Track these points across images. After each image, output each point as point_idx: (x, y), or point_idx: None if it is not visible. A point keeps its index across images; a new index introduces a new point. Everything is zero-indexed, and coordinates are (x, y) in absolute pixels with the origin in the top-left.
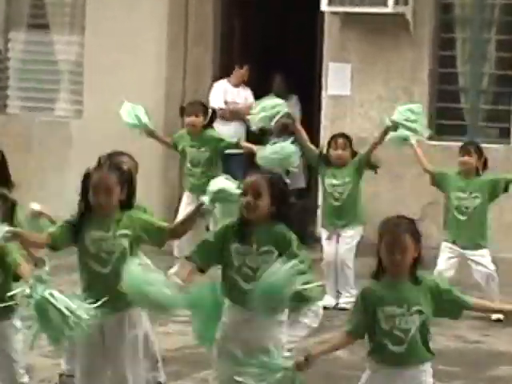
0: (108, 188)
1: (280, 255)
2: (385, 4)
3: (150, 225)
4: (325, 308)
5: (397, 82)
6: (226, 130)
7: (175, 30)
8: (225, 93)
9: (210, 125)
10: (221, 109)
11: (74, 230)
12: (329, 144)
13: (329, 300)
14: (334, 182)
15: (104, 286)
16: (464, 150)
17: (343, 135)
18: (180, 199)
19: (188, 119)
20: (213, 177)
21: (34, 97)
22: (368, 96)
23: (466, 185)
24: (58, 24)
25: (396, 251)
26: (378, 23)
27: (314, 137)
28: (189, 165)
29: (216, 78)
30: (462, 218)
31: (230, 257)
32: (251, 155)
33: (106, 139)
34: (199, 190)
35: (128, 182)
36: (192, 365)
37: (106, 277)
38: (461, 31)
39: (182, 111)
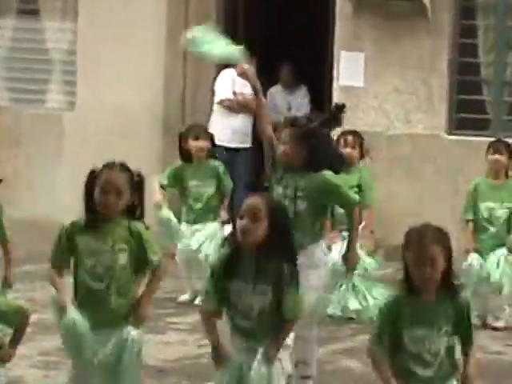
0: (118, 188)
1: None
2: None
3: (144, 249)
4: (330, 317)
5: (414, 73)
6: (232, 123)
7: (175, 16)
8: (233, 82)
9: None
10: (229, 99)
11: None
12: (337, 141)
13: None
14: None
15: (98, 303)
16: (494, 148)
17: (354, 132)
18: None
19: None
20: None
21: (23, 88)
22: (383, 87)
23: (496, 193)
24: (50, 10)
25: (425, 263)
26: (393, 9)
27: None
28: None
29: (219, 68)
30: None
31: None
32: (258, 152)
33: (100, 133)
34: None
35: (138, 187)
36: (192, 377)
37: (99, 292)
38: (483, 18)
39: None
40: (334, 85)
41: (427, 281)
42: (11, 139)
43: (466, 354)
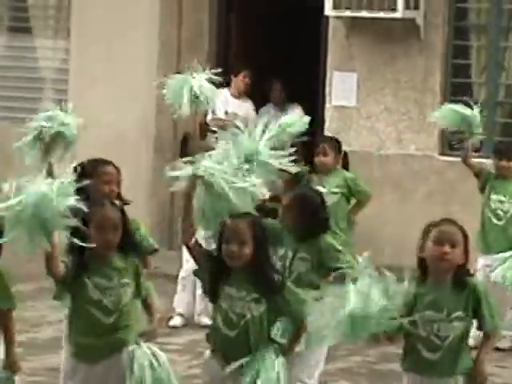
0: (116, 225)
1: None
2: (394, 8)
3: (137, 283)
4: None
5: (406, 93)
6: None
7: (167, 34)
8: (225, 103)
9: None
10: (220, 119)
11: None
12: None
13: None
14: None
15: (104, 333)
16: (502, 154)
17: (327, 139)
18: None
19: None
20: None
21: (14, 106)
22: (375, 107)
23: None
24: (41, 28)
25: (446, 243)
26: (386, 29)
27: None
28: None
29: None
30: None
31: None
32: None
33: (93, 152)
34: None
35: (124, 220)
36: None
37: (108, 326)
38: (475, 38)
39: (186, 140)
40: (327, 104)
41: (444, 260)
42: (1, 157)
43: (484, 339)
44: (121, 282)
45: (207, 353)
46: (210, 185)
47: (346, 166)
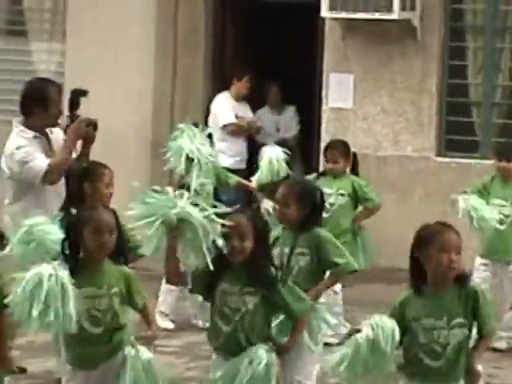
0: (111, 229)
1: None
2: (390, 10)
3: (130, 292)
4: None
5: (403, 94)
6: (225, 147)
7: (163, 35)
8: (233, 107)
9: None
10: (232, 124)
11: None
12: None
13: None
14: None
15: (95, 343)
16: (502, 155)
17: (336, 145)
18: None
19: None
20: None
21: (10, 109)
22: (371, 109)
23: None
24: (37, 31)
25: (452, 250)
26: (382, 30)
27: (314, 151)
28: None
29: (207, 89)
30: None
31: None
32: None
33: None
34: None
35: (118, 225)
36: None
37: (98, 336)
38: (472, 40)
39: None
40: (323, 106)
41: (451, 268)
42: None
43: (480, 341)
44: (110, 292)
45: (213, 356)
46: (189, 223)
47: (355, 168)
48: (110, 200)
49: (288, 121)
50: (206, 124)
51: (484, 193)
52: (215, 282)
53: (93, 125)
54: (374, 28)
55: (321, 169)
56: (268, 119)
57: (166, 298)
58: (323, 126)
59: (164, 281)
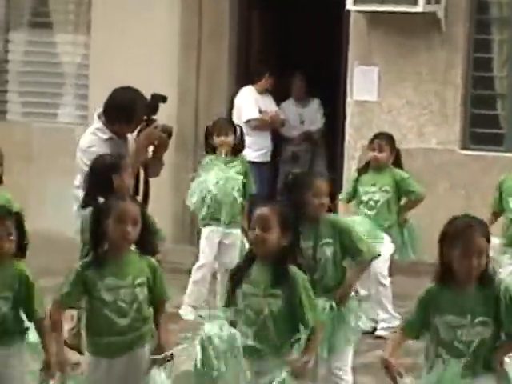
0: (135, 219)
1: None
2: (415, 2)
3: (154, 286)
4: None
5: (428, 87)
6: (250, 142)
7: (188, 30)
8: (256, 101)
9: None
10: (256, 119)
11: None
12: (370, 144)
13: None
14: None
15: (122, 333)
16: None
17: (383, 136)
18: (191, 214)
19: (218, 139)
20: None
21: (35, 102)
22: (396, 101)
23: None
24: (62, 23)
25: (474, 255)
26: (407, 23)
27: (338, 144)
28: None
29: (232, 83)
30: None
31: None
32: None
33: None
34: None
35: (144, 216)
36: None
37: (125, 327)
38: (497, 32)
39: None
40: (348, 99)
41: (472, 271)
42: (23, 153)
43: (504, 340)
44: (135, 283)
45: None
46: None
47: (398, 163)
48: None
49: (312, 113)
50: (230, 118)
51: None
52: (237, 285)
53: (168, 132)
54: (399, 20)
55: (345, 163)
56: (292, 112)
57: (193, 290)
58: (348, 118)
59: (194, 271)
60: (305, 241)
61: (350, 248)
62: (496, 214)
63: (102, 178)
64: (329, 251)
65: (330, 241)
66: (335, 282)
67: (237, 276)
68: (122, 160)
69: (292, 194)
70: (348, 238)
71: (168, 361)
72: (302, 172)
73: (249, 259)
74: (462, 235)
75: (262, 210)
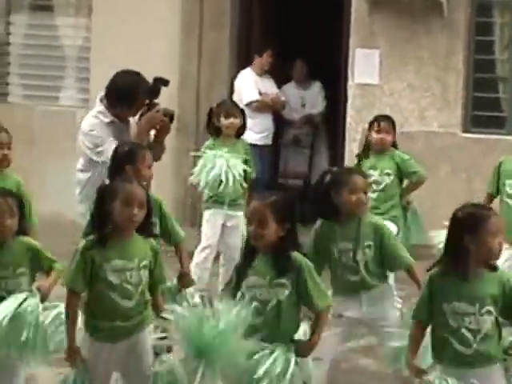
0: (142, 202)
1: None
2: None
3: (154, 269)
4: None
5: (429, 70)
6: (251, 124)
7: (190, 14)
8: (256, 83)
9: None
10: (256, 101)
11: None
12: (370, 125)
13: None
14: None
15: (126, 316)
16: None
17: (388, 117)
18: (192, 196)
19: (226, 121)
20: None
21: (36, 84)
22: (398, 85)
23: None
24: (63, 6)
25: (500, 236)
26: (408, 6)
27: (339, 127)
28: None
29: (233, 68)
30: None
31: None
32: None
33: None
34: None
35: (148, 202)
36: None
37: (130, 309)
38: (499, 15)
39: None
40: (349, 82)
41: (499, 253)
42: (24, 136)
43: None
44: (141, 265)
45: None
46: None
47: (395, 146)
48: (150, 182)
49: (314, 96)
50: (231, 101)
51: None
52: (241, 278)
53: (169, 115)
54: (401, 4)
55: (346, 146)
56: (294, 94)
57: (196, 272)
58: (349, 101)
59: (196, 253)
60: (344, 241)
61: (389, 258)
62: (491, 196)
63: (115, 167)
64: (369, 254)
65: (371, 243)
66: (377, 281)
67: (241, 269)
68: (140, 150)
69: (328, 192)
70: (389, 248)
71: (168, 352)
72: (337, 170)
73: (250, 251)
74: (487, 218)
75: (256, 206)
